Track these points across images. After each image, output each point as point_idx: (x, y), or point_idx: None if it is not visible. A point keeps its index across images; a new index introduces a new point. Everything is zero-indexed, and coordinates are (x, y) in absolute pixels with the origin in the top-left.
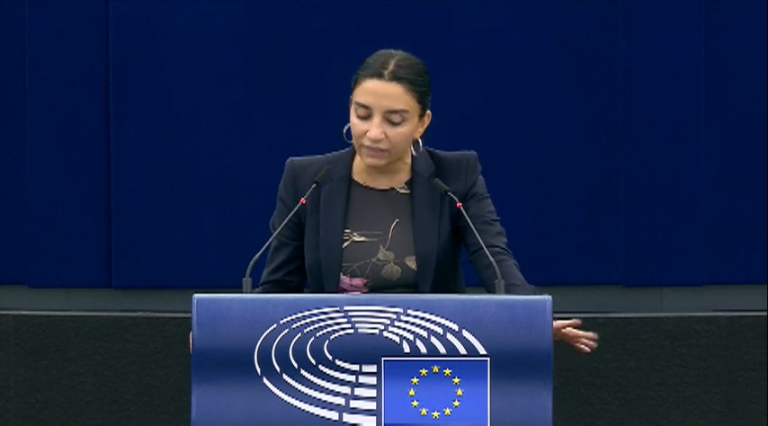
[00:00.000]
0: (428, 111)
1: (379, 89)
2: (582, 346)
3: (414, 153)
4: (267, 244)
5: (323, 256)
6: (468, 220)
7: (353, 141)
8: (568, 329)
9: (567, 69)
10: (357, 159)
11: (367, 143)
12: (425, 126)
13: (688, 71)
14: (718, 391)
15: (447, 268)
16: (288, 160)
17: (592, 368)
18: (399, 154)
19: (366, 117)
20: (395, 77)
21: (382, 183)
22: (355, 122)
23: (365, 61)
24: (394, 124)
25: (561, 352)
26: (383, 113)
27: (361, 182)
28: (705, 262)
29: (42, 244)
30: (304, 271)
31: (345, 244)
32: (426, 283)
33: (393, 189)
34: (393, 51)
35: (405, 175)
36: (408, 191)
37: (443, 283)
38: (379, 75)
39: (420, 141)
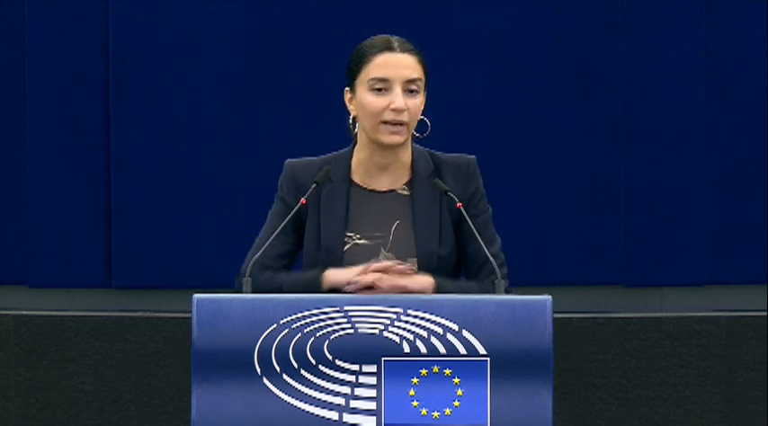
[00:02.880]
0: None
1: (396, 60)
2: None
3: (417, 135)
4: (267, 243)
5: (324, 259)
6: (472, 226)
7: (369, 122)
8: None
9: (567, 69)
10: (355, 160)
11: (389, 117)
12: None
13: (688, 71)
14: (718, 391)
15: (449, 268)
16: (286, 162)
17: (592, 368)
18: (411, 130)
19: (384, 90)
20: (405, 49)
21: (382, 184)
22: (372, 100)
23: (362, 46)
24: (412, 93)
25: (561, 352)
26: (402, 83)
27: (361, 184)
28: (705, 262)
29: (42, 244)
30: (289, 266)
31: (347, 247)
32: None
33: (393, 190)
34: (385, 35)
35: (404, 176)
36: (408, 192)
37: None
38: (390, 49)
39: (427, 121)
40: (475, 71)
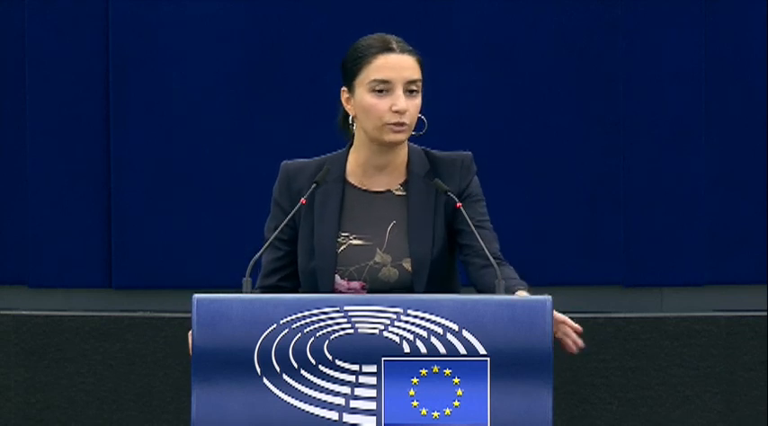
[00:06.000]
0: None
1: (397, 61)
2: (569, 345)
3: (415, 133)
4: (267, 244)
5: (318, 260)
6: (470, 222)
7: (371, 123)
8: (564, 326)
9: (567, 69)
10: (352, 160)
11: (392, 119)
12: None
13: (688, 71)
14: (719, 391)
15: (442, 269)
16: (282, 163)
17: (592, 368)
18: (411, 130)
19: (386, 91)
20: (404, 50)
21: (378, 184)
22: (374, 102)
23: (359, 46)
24: (412, 94)
25: (561, 352)
26: (404, 84)
27: (356, 184)
28: (705, 262)
29: (42, 244)
30: (297, 275)
31: (342, 248)
32: (420, 285)
33: (389, 190)
34: (381, 34)
35: (400, 176)
36: (404, 193)
37: (438, 284)
38: (390, 49)
39: (424, 119)
40: (475, 71)
